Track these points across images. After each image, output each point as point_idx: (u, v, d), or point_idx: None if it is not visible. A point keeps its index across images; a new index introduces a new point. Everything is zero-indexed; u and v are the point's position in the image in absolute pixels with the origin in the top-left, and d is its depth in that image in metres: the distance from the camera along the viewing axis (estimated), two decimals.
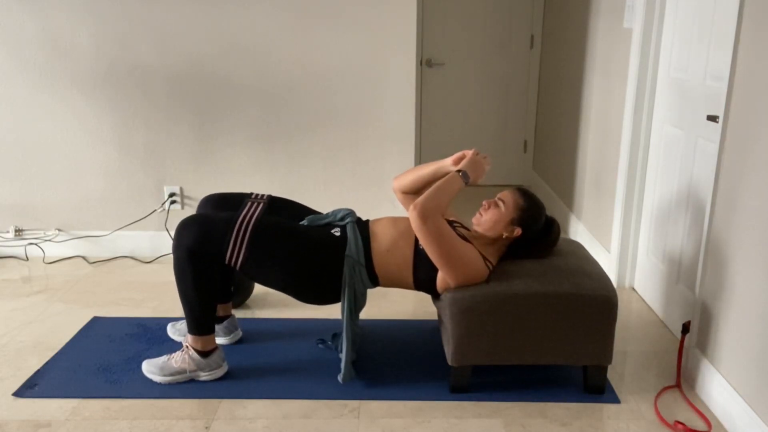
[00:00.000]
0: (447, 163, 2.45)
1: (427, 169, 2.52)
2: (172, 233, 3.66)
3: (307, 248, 2.34)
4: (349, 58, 3.46)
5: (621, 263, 3.33)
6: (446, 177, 2.30)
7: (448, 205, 2.34)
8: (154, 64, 3.46)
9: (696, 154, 2.70)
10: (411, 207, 2.21)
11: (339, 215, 2.50)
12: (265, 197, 2.61)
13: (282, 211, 2.58)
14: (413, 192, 2.58)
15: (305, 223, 2.48)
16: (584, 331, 2.30)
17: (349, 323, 2.38)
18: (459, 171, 2.33)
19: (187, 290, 2.34)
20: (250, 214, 2.41)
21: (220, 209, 2.60)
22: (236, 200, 2.60)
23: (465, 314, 2.27)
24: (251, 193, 2.65)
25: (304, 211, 2.64)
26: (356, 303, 2.39)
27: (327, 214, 2.53)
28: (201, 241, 2.29)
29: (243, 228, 2.31)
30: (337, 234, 2.40)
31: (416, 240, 2.36)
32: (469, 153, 2.41)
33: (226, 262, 2.31)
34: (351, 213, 2.50)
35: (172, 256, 2.34)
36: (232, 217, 2.36)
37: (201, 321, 2.38)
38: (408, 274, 2.38)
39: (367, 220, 2.50)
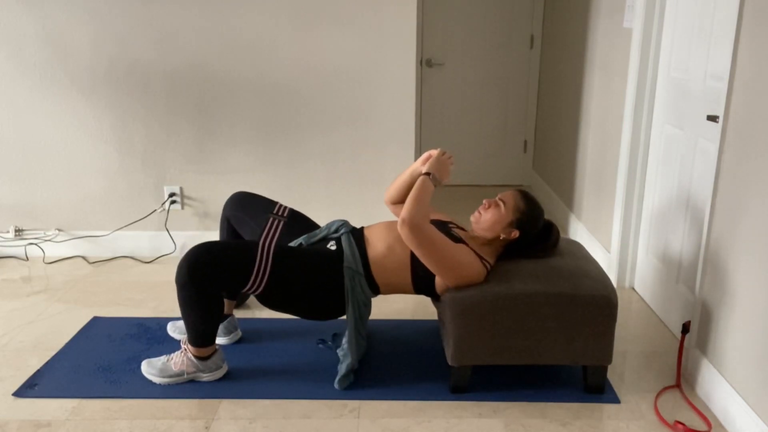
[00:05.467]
0: (418, 165, 2.48)
1: (405, 175, 2.56)
2: (172, 234, 3.68)
3: (310, 269, 2.35)
4: (349, 58, 3.46)
5: (621, 263, 3.33)
6: (417, 184, 2.29)
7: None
8: (154, 63, 3.46)
9: (696, 154, 2.70)
10: (399, 224, 2.21)
11: (333, 227, 2.51)
12: (286, 213, 2.63)
13: (301, 230, 2.59)
14: (401, 201, 2.61)
15: (302, 243, 2.49)
16: (584, 331, 2.30)
17: (354, 334, 2.38)
18: (427, 173, 2.33)
19: (193, 318, 2.32)
20: (269, 239, 2.42)
21: (245, 210, 2.64)
22: (261, 207, 2.64)
23: (465, 314, 2.27)
24: (275, 204, 2.66)
25: (316, 228, 2.66)
26: (360, 314, 2.39)
27: (321, 228, 2.54)
28: (215, 279, 2.25)
29: (264, 258, 2.28)
30: (333, 248, 2.41)
31: None
32: (434, 153, 2.42)
33: (245, 290, 2.31)
34: (345, 224, 2.51)
35: (176, 285, 2.28)
36: (249, 246, 2.31)
37: (204, 337, 2.38)
38: (407, 279, 2.38)
39: (362, 228, 2.50)
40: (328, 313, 2.42)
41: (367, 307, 2.42)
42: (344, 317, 2.44)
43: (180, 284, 2.26)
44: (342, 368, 2.40)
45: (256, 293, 2.32)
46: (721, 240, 2.30)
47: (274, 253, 2.31)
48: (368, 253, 2.38)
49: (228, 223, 2.71)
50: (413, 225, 2.19)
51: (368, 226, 2.50)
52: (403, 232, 2.20)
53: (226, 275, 2.26)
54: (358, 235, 2.45)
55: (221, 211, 2.80)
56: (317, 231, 2.53)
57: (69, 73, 3.47)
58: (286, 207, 2.67)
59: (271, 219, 2.57)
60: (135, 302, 3.14)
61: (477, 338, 2.30)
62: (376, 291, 2.42)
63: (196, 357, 2.40)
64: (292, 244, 2.50)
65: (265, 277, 2.28)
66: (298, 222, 2.64)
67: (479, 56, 5.17)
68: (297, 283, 2.33)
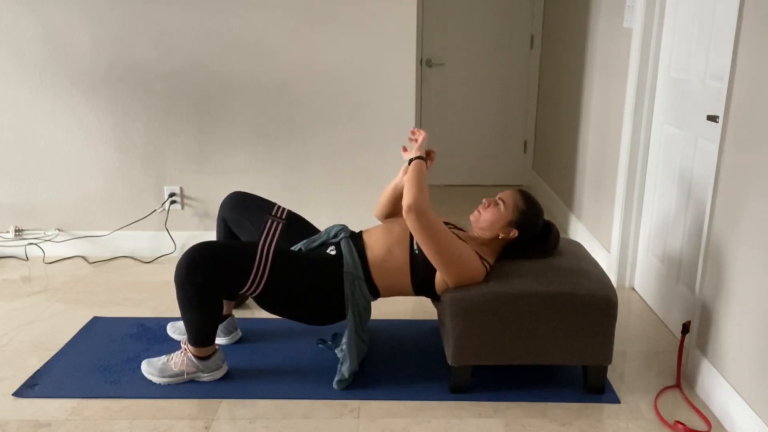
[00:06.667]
0: (400, 178, 2.51)
1: (390, 189, 2.58)
2: (172, 234, 3.68)
3: (310, 274, 2.35)
4: (349, 58, 3.46)
5: (621, 263, 3.33)
6: (412, 169, 2.30)
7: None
8: (153, 63, 3.46)
9: (696, 154, 2.70)
10: (405, 210, 2.21)
11: (332, 232, 2.50)
12: (284, 215, 2.62)
13: (298, 232, 2.59)
14: (391, 214, 2.62)
15: (302, 248, 2.48)
16: (584, 331, 2.30)
17: (354, 338, 2.38)
18: (421, 158, 2.35)
19: (192, 318, 2.32)
20: (269, 241, 2.41)
21: (242, 211, 2.63)
22: (258, 208, 2.62)
23: (465, 314, 2.27)
24: (273, 205, 2.65)
25: (316, 232, 2.65)
26: (361, 318, 2.39)
27: (320, 233, 2.54)
28: (214, 279, 2.24)
29: (263, 259, 2.28)
30: (333, 253, 2.41)
31: (411, 244, 2.37)
32: (419, 137, 2.44)
33: (243, 291, 2.31)
34: (343, 228, 2.51)
35: (174, 285, 2.28)
36: (248, 248, 2.31)
37: (204, 337, 2.38)
38: (406, 280, 2.38)
39: (360, 232, 2.50)
40: (328, 318, 2.42)
41: (368, 311, 2.42)
42: (344, 321, 2.44)
43: (178, 284, 2.26)
44: (342, 370, 2.40)
45: (254, 295, 2.32)
46: (721, 240, 2.30)
47: (273, 255, 2.30)
48: (368, 256, 2.38)
49: (224, 224, 2.71)
50: (419, 210, 2.19)
51: (366, 230, 2.50)
52: (409, 217, 2.20)
53: (224, 275, 2.26)
54: (357, 239, 2.45)
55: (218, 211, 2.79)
56: (316, 236, 2.53)
57: (69, 74, 3.47)
58: (284, 209, 2.66)
59: (269, 221, 2.56)
60: (135, 302, 3.14)
61: (477, 338, 2.30)
62: (376, 295, 2.42)
63: (196, 357, 2.40)
64: (293, 248, 2.50)
65: (263, 279, 2.28)
66: (296, 225, 2.63)
67: (479, 56, 5.17)
68: (296, 287, 2.33)
